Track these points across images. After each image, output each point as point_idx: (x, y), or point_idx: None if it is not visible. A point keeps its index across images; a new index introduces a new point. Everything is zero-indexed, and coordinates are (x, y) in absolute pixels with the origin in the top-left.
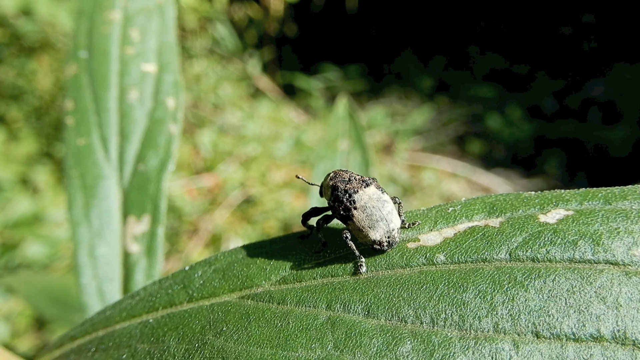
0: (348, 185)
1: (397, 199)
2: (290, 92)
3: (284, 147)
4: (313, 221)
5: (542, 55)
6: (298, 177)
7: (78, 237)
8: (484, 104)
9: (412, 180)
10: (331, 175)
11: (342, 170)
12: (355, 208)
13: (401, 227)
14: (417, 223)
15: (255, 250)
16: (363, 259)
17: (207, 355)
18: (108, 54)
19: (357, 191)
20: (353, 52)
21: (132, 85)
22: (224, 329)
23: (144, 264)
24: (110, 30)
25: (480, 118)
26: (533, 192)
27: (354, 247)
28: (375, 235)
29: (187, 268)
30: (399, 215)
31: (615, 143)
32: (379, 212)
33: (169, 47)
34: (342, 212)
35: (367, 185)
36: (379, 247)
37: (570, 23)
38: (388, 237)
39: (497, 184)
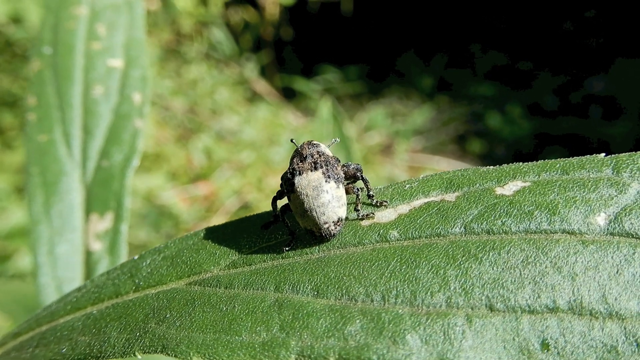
0: (299, 165)
1: (356, 190)
2: (289, 95)
3: (282, 151)
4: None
5: (543, 52)
6: (292, 141)
7: (37, 235)
8: (484, 102)
9: None
10: (299, 146)
11: (309, 145)
12: (292, 192)
13: (360, 218)
14: (372, 214)
15: (206, 235)
16: (292, 239)
17: (147, 343)
18: (73, 50)
19: (301, 173)
20: (352, 53)
21: (98, 80)
22: (167, 316)
23: (107, 263)
24: (75, 26)
25: (481, 117)
26: (492, 167)
27: (287, 224)
28: (304, 223)
29: (136, 257)
30: (357, 209)
31: (617, 138)
32: (310, 201)
33: (137, 42)
34: (285, 191)
35: (315, 169)
36: (311, 235)
37: (571, 19)
38: (319, 229)
39: None
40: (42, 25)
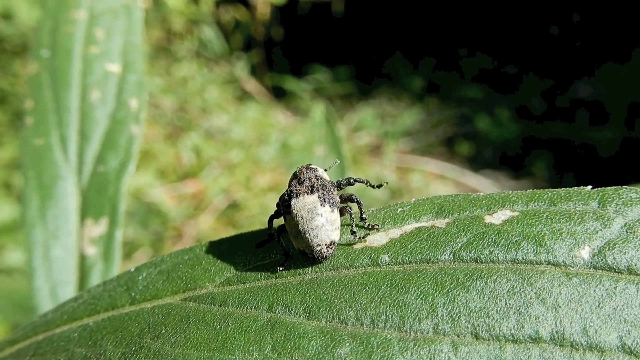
0: (297, 187)
1: (348, 208)
2: (279, 94)
3: (271, 151)
4: None
5: (530, 56)
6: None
7: (32, 239)
8: (473, 105)
9: (400, 182)
10: (297, 170)
11: (308, 169)
12: (288, 213)
13: (351, 243)
14: (365, 236)
15: (202, 251)
16: (286, 259)
17: (143, 359)
18: (71, 53)
19: (298, 196)
20: (343, 54)
21: (95, 84)
22: (163, 331)
23: (101, 268)
24: (74, 30)
25: (470, 119)
26: (482, 193)
27: (282, 245)
28: (298, 244)
29: (132, 269)
30: (354, 230)
31: (603, 143)
32: (305, 224)
33: (134, 47)
34: (281, 212)
35: (311, 192)
36: (304, 256)
37: (558, 23)
38: (312, 251)
39: (485, 185)
40: (41, 28)
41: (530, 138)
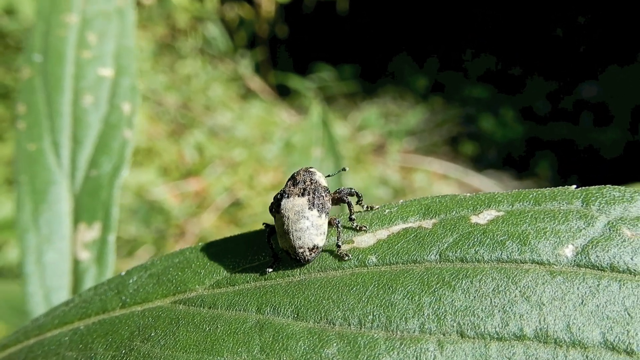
0: (290, 188)
1: (336, 220)
2: (283, 92)
3: (274, 149)
4: None
5: (535, 57)
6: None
7: (25, 243)
8: (477, 105)
9: (404, 182)
10: (296, 171)
11: (306, 171)
12: (277, 212)
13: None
14: (349, 257)
15: (192, 254)
16: (275, 261)
17: None
18: (63, 57)
19: (289, 197)
20: (347, 52)
21: (87, 89)
22: (152, 334)
23: (94, 272)
24: (66, 33)
25: (474, 119)
26: (469, 194)
27: (271, 246)
28: (282, 244)
29: (123, 273)
30: (339, 244)
31: (607, 145)
32: (290, 225)
33: (127, 50)
34: (272, 210)
35: (302, 195)
36: (288, 256)
37: (563, 25)
38: (294, 253)
39: (489, 185)
40: (33, 32)
41: (534, 139)
